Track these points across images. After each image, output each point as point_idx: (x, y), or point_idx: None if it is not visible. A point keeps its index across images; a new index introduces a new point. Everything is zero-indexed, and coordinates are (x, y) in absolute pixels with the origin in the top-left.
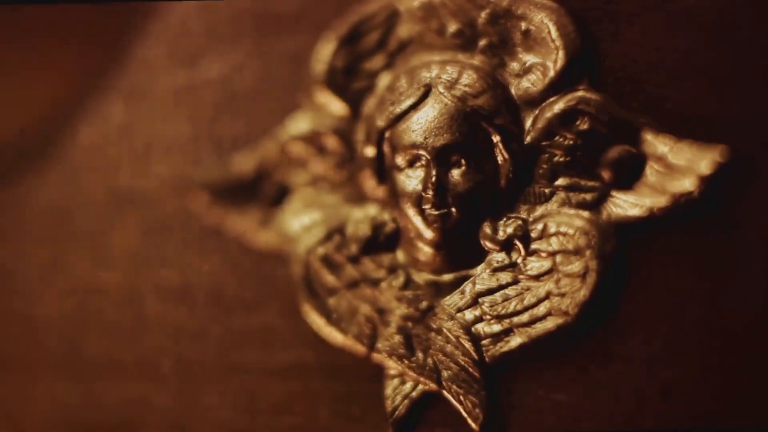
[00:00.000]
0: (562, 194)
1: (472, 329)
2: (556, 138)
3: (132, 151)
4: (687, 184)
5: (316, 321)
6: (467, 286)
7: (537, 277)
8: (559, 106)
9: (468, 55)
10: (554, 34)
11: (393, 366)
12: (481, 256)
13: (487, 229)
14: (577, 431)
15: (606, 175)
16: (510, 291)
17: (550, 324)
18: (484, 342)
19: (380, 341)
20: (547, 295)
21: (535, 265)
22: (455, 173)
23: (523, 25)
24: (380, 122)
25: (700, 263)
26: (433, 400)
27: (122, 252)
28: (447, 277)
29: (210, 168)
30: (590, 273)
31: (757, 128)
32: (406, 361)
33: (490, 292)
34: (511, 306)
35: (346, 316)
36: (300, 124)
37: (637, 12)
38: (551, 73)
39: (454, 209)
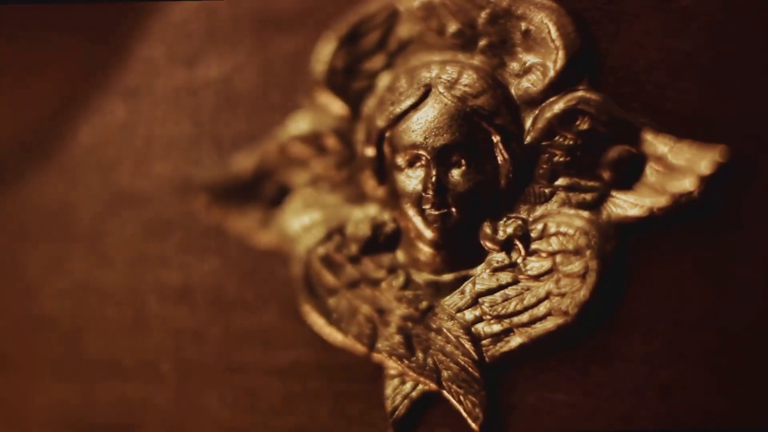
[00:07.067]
0: (562, 194)
1: (472, 329)
2: (556, 138)
3: (132, 151)
4: (687, 184)
5: (316, 321)
6: (467, 286)
7: (537, 277)
8: (559, 106)
9: (468, 55)
10: (554, 34)
11: (393, 366)
12: (481, 256)
13: (487, 229)
14: (577, 431)
15: (606, 175)
16: (510, 291)
17: (550, 324)
18: (484, 342)
19: (380, 341)
20: (547, 295)
21: (535, 265)
22: (455, 173)
23: (523, 25)
24: (380, 122)
25: (700, 263)
26: (433, 400)
27: (122, 252)
28: (447, 277)
29: (210, 168)
30: (590, 273)
31: (757, 128)
32: (406, 361)
33: (490, 292)
34: (511, 306)
35: (346, 316)
36: (300, 124)
37: (637, 12)
38: (551, 73)
39: (454, 209)
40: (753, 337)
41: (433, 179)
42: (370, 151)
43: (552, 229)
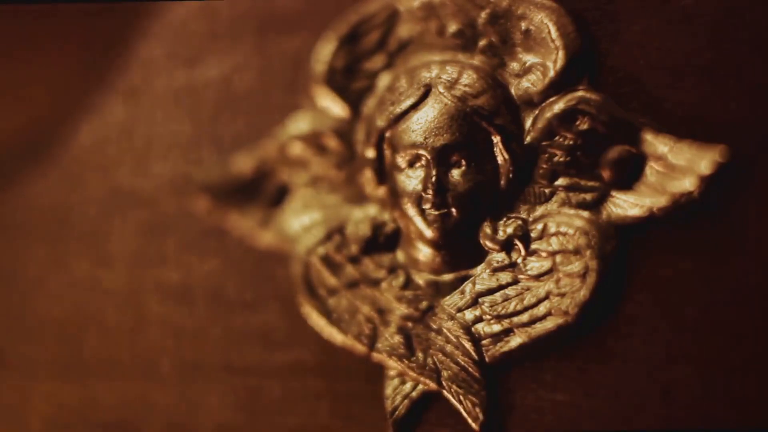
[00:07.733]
0: (562, 194)
1: (472, 329)
2: (556, 138)
3: (132, 151)
4: (687, 184)
5: (316, 321)
6: (467, 286)
7: (537, 277)
8: (559, 106)
9: (468, 55)
10: (554, 34)
11: (393, 366)
12: (481, 256)
13: (487, 229)
14: (577, 431)
15: (606, 175)
16: (510, 291)
17: (550, 324)
18: (484, 342)
19: (380, 341)
20: (547, 295)
21: (535, 265)
22: (455, 173)
23: (523, 25)
24: (380, 122)
25: (700, 263)
26: (433, 400)
27: (122, 252)
28: (447, 277)
29: (210, 168)
30: (590, 273)
31: (757, 128)
32: (406, 361)
33: (490, 292)
34: (511, 306)
35: (346, 316)
36: (300, 124)
37: (637, 12)
38: (551, 73)
39: (454, 209)
40: (753, 337)
41: (433, 179)
42: (370, 152)
43: (552, 229)
